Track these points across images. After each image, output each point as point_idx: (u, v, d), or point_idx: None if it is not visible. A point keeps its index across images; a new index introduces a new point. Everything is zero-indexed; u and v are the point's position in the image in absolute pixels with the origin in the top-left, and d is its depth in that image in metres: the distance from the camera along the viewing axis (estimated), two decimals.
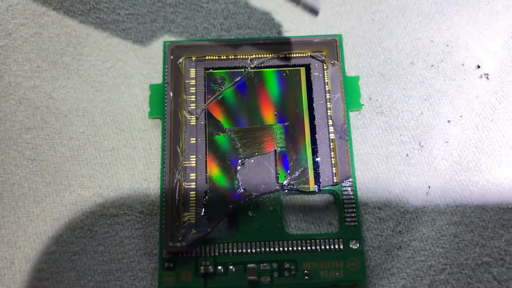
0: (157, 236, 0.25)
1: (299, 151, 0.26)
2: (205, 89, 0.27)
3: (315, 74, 0.27)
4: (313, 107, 0.27)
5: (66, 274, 0.25)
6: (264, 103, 0.27)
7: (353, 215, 0.25)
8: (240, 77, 0.27)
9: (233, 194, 0.25)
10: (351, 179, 0.26)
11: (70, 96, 0.28)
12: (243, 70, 0.27)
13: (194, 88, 0.27)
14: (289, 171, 0.26)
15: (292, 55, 0.28)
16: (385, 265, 0.25)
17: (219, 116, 0.27)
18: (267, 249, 0.25)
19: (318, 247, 0.25)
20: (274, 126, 0.26)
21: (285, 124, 0.26)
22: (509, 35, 0.28)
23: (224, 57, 0.28)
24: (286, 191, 0.26)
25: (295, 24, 0.29)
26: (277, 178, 0.26)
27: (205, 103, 0.27)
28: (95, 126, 0.27)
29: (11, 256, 0.25)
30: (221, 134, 0.26)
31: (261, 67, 0.27)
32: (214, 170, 0.26)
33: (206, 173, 0.26)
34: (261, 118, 0.27)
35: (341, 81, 0.27)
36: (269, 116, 0.27)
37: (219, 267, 0.24)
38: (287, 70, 0.27)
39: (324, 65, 0.27)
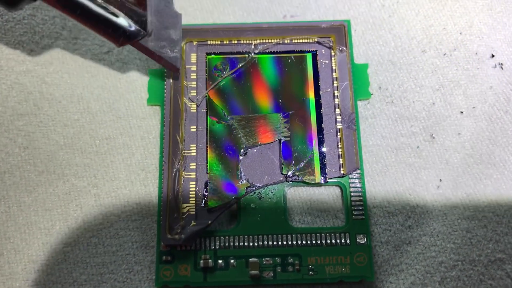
0: (154, 228, 0.24)
1: (304, 141, 0.25)
2: (206, 75, 0.26)
3: (322, 60, 0.26)
4: (320, 95, 0.25)
5: (57, 267, 0.24)
6: (268, 90, 0.26)
7: (360, 208, 0.24)
8: (243, 63, 0.26)
9: (235, 185, 0.24)
10: (359, 171, 0.24)
11: (64, 81, 0.26)
12: (246, 55, 0.26)
13: (195, 74, 0.26)
14: (293, 161, 0.24)
15: (298, 41, 0.26)
16: (393, 261, 0.24)
17: (221, 103, 0.25)
18: (270, 243, 0.23)
19: (323, 241, 0.23)
20: (279, 114, 0.25)
21: (290, 112, 0.25)
22: None
23: (227, 42, 0.26)
24: (291, 182, 0.24)
25: (301, 9, 0.28)
26: (281, 169, 0.24)
27: (206, 89, 0.26)
28: (91, 113, 0.26)
29: (0, 247, 0.24)
30: (223, 122, 0.25)
31: (265, 53, 0.26)
32: (215, 160, 0.24)
33: (207, 162, 0.24)
34: (265, 106, 0.25)
35: (349, 68, 0.26)
36: (273, 104, 0.25)
37: (220, 261, 0.23)
38: (293, 56, 0.26)
39: (332, 51, 0.26)
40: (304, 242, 0.23)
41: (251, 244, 0.23)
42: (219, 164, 0.24)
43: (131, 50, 0.27)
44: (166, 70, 0.25)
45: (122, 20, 0.22)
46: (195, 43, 0.26)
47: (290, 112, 0.25)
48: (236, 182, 0.24)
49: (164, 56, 0.24)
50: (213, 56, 0.26)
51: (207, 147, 0.25)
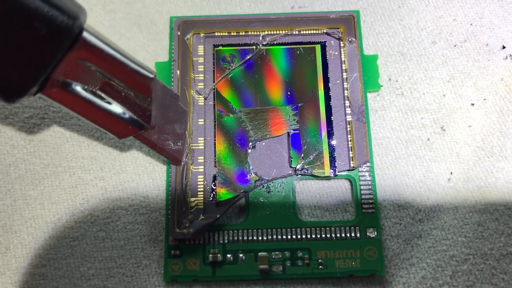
0: (162, 222, 0.24)
1: (313, 133, 0.24)
2: (214, 68, 0.26)
3: (331, 52, 0.26)
4: (329, 87, 0.25)
5: (64, 261, 0.23)
6: (277, 82, 0.25)
7: (370, 202, 0.24)
8: (251, 55, 0.26)
9: (244, 178, 0.24)
10: (368, 164, 0.24)
11: None
12: (254, 47, 0.26)
13: (202, 66, 0.26)
14: (303, 154, 0.24)
15: (307, 32, 0.26)
16: (404, 255, 0.23)
17: (229, 96, 0.25)
18: (279, 237, 0.23)
19: (333, 235, 0.23)
20: (287, 107, 0.25)
21: (299, 105, 0.25)
22: None
23: (235, 34, 0.26)
24: (300, 175, 0.24)
25: (309, 0, 0.27)
26: (290, 162, 0.24)
27: (214, 82, 0.25)
28: None
29: (6, 241, 0.24)
30: (231, 115, 0.25)
31: (273, 45, 0.26)
32: (223, 153, 0.24)
33: (215, 156, 0.24)
34: (273, 99, 0.25)
35: (359, 60, 0.25)
36: (281, 96, 0.25)
37: (229, 255, 0.23)
38: (301, 47, 0.26)
39: (341, 42, 0.26)
40: (313, 236, 0.23)
41: (260, 238, 0.23)
42: (227, 157, 0.24)
43: (137, 41, 0.27)
44: (173, 64, 0.25)
45: (125, 114, 0.21)
46: (202, 34, 0.26)
47: (299, 105, 0.25)
48: (245, 175, 0.24)
49: (167, 148, 0.23)
50: (220, 48, 0.26)
51: (215, 140, 0.24)
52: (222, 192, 0.24)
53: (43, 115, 0.25)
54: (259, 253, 0.23)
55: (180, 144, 0.23)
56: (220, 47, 0.26)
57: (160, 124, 0.23)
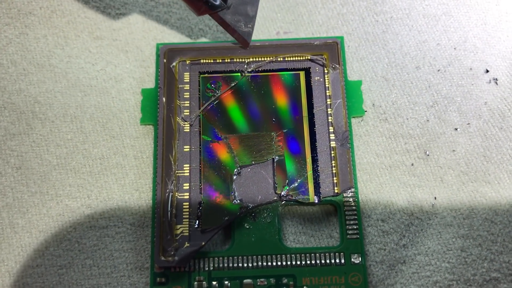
0: (148, 249, 0.24)
1: (298, 159, 0.25)
2: (199, 94, 0.26)
3: (315, 78, 0.26)
4: (313, 113, 0.25)
5: None
6: (262, 109, 0.26)
7: (355, 227, 0.24)
8: (236, 82, 0.26)
9: (229, 205, 0.24)
10: (353, 190, 0.24)
11: (57, 100, 0.26)
12: (239, 74, 0.26)
13: (188, 93, 0.26)
14: (287, 181, 0.24)
15: (291, 59, 0.26)
16: (388, 281, 0.24)
17: (214, 122, 0.25)
18: (264, 264, 0.23)
19: (318, 261, 0.23)
20: (272, 133, 0.25)
21: (284, 131, 0.25)
22: None
23: (220, 61, 0.26)
24: (284, 202, 0.24)
25: (294, 25, 0.28)
26: (275, 188, 0.24)
27: (199, 109, 0.26)
28: (84, 132, 0.26)
29: None
30: (216, 141, 0.25)
31: (258, 71, 0.26)
32: (209, 180, 0.24)
33: (200, 183, 0.24)
34: (258, 125, 0.25)
35: (343, 85, 0.25)
36: (266, 122, 0.25)
37: (214, 283, 0.23)
38: (286, 74, 0.26)
39: (325, 69, 0.26)
40: (298, 263, 0.23)
41: (245, 265, 0.23)
42: (212, 184, 0.24)
43: (124, 68, 0.27)
44: (159, 91, 0.25)
45: None
46: (188, 62, 0.26)
47: (284, 131, 0.25)
48: (230, 202, 0.24)
49: (238, 30, 0.25)
50: (206, 75, 0.26)
51: (200, 167, 0.25)
52: (208, 219, 0.24)
53: (31, 143, 0.26)
54: (244, 280, 0.23)
55: (250, 26, 0.25)
56: (206, 74, 0.26)
57: (235, 5, 0.25)
